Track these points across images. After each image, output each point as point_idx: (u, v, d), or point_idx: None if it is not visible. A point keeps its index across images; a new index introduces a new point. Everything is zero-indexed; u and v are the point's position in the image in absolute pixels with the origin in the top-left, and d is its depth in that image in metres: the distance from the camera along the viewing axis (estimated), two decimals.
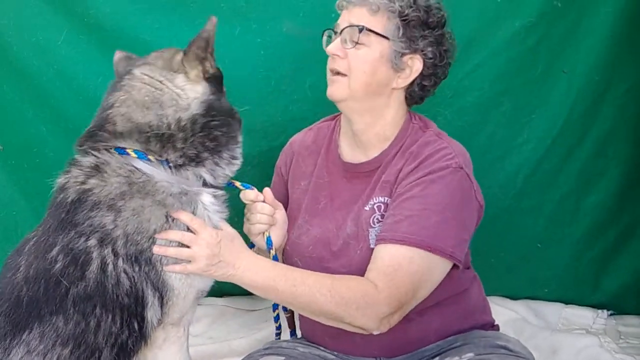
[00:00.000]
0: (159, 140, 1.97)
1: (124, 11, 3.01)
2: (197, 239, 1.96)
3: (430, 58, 2.25)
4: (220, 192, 2.09)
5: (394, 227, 2.10)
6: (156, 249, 1.91)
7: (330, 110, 2.68)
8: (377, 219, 2.21)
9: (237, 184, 2.22)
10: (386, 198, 2.22)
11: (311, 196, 2.39)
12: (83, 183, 1.95)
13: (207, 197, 2.03)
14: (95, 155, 1.96)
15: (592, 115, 3.10)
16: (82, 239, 1.88)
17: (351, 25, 2.20)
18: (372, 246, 2.18)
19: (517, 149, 3.15)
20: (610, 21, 2.96)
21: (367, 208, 2.25)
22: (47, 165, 3.24)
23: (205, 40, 1.99)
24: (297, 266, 2.31)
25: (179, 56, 2.04)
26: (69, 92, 3.15)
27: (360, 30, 2.17)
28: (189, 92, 2.01)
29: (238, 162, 2.13)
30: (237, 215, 2.24)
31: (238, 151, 2.12)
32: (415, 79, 2.26)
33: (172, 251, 1.94)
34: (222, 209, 2.08)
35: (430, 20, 2.23)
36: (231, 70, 2.88)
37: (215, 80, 2.07)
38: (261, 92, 3.04)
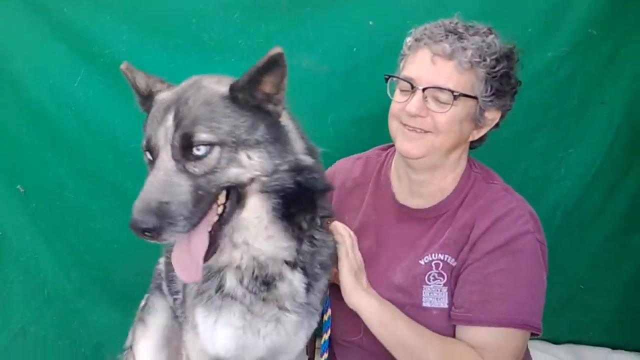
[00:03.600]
0: None
1: (140, 50, 2.95)
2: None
3: (508, 108, 2.15)
4: None
5: (487, 308, 2.00)
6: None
7: (356, 147, 2.61)
8: (434, 276, 2.10)
9: None
10: (447, 257, 2.10)
11: (355, 235, 2.26)
12: None
13: None
14: None
15: (636, 149, 2.95)
16: None
17: (440, 89, 2.02)
18: (424, 305, 2.08)
19: (554, 186, 3.02)
20: None
21: (422, 262, 2.13)
22: (67, 208, 3.26)
23: None
24: None
25: None
26: (87, 133, 3.11)
27: (456, 97, 2.01)
28: None
29: None
30: None
31: None
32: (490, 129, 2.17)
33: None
34: None
35: (512, 71, 2.11)
36: None
37: None
38: None
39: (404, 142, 2.10)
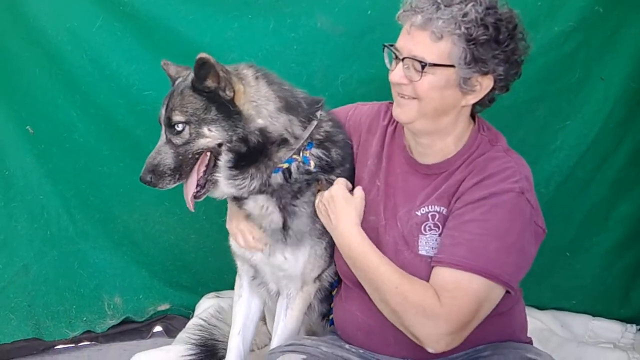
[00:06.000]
0: None
1: (160, 2, 3.01)
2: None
3: (501, 74, 2.14)
4: None
5: (453, 251, 2.07)
6: None
7: None
8: (430, 227, 2.19)
9: None
10: (442, 208, 2.19)
11: (368, 181, 2.39)
12: None
13: None
14: None
15: (628, 124, 3.03)
16: None
17: (413, 58, 2.07)
18: (420, 252, 2.18)
19: (550, 156, 3.10)
20: None
21: (419, 213, 2.22)
22: (76, 151, 3.32)
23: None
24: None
25: None
26: (101, 79, 3.17)
27: (423, 67, 2.05)
28: None
29: None
30: None
31: None
32: (486, 94, 2.18)
33: None
34: None
35: (501, 37, 2.09)
36: (263, 63, 2.88)
37: None
38: None
39: (396, 107, 2.21)
